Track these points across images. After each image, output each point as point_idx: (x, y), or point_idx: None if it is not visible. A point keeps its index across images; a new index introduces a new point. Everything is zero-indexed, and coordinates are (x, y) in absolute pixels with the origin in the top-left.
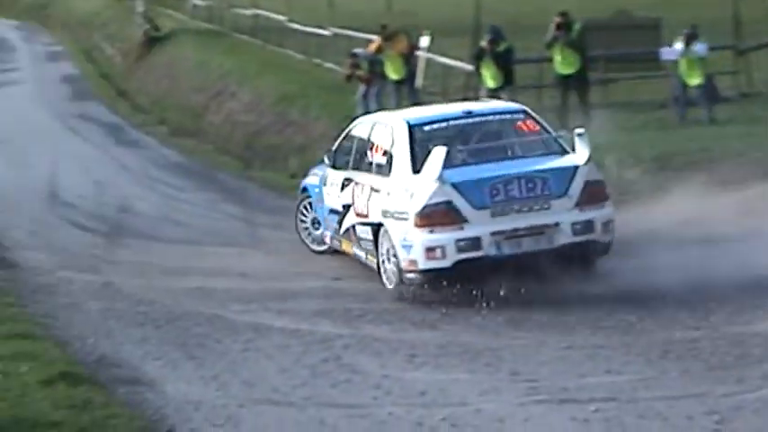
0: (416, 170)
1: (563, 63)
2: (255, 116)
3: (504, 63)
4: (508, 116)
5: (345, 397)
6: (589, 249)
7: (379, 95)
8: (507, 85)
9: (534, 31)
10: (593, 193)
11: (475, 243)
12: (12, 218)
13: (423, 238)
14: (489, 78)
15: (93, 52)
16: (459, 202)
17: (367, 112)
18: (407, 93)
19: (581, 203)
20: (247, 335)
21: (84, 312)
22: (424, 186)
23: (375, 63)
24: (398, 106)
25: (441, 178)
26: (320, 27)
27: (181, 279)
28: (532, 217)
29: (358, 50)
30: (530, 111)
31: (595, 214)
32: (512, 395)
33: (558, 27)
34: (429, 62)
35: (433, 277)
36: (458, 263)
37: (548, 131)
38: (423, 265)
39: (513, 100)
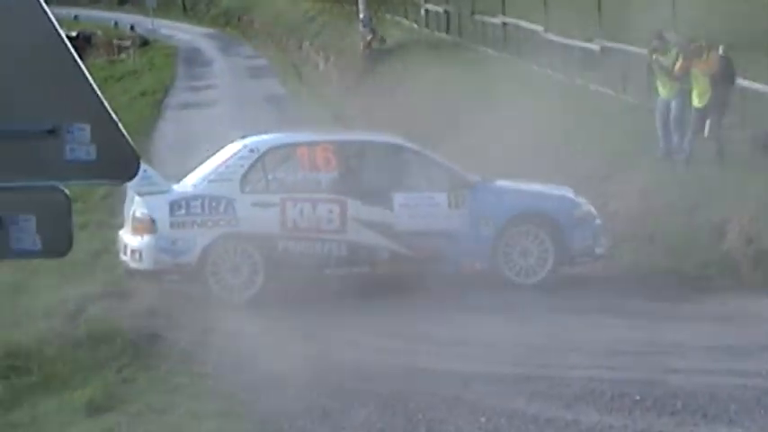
0: None
1: None
2: (503, 149)
3: None
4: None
5: None
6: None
7: (677, 119)
8: None
9: None
10: (136, 223)
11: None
12: None
13: None
14: None
15: (304, 67)
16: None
17: (668, 137)
18: (712, 124)
19: (133, 230)
20: (492, 422)
21: (292, 387)
22: None
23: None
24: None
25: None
26: (586, 40)
27: (413, 348)
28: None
29: (671, 35)
30: (244, 148)
31: (130, 242)
32: None
33: None
34: None
35: None
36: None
37: None
38: None
39: None
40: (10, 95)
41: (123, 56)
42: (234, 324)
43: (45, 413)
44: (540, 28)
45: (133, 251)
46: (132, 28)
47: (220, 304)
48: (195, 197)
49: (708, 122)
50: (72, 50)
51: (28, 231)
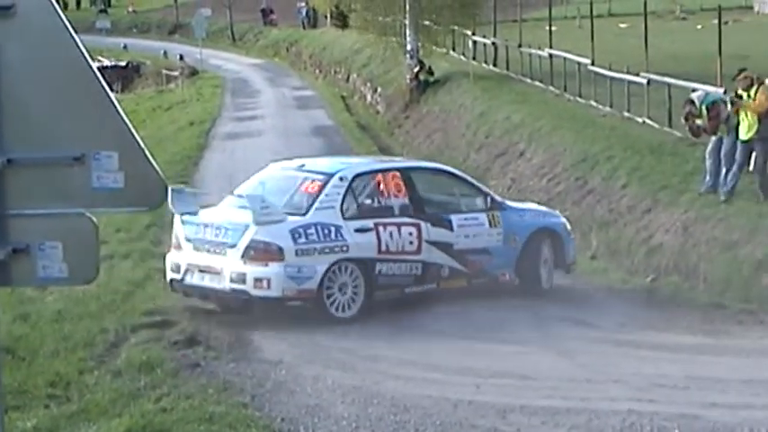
0: None
1: None
2: (548, 182)
3: None
4: (311, 176)
5: None
6: (246, 299)
7: (728, 154)
8: None
9: None
10: (257, 251)
11: (177, 268)
12: None
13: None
14: None
15: (351, 99)
16: (180, 233)
17: (716, 172)
18: (757, 156)
19: (245, 257)
20: None
21: (331, 418)
22: None
23: (718, 110)
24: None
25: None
26: (632, 73)
27: (449, 381)
28: (212, 258)
29: (695, 95)
30: (336, 176)
31: (251, 270)
32: None
33: None
34: None
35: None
36: (171, 281)
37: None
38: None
39: None
40: (38, 123)
41: (172, 86)
42: (273, 354)
43: None
44: (586, 60)
45: (258, 279)
46: (181, 58)
47: (261, 334)
48: (309, 225)
49: (753, 156)
50: (101, 79)
51: (54, 259)
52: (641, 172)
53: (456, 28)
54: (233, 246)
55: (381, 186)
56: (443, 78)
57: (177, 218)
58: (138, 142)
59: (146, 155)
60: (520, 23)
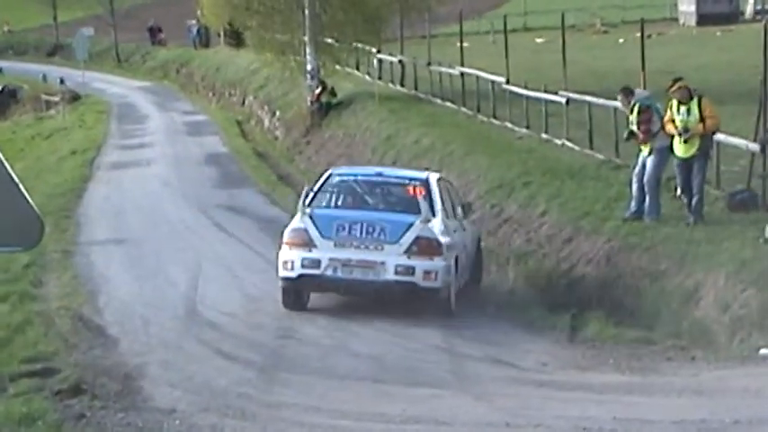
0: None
1: None
2: None
3: None
4: (407, 181)
5: None
6: (410, 289)
7: (650, 180)
8: None
9: None
10: (422, 246)
11: (314, 264)
12: (140, 343)
13: (281, 253)
14: None
15: (248, 123)
16: (313, 232)
17: (642, 197)
18: (697, 172)
19: (409, 252)
20: None
21: None
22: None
23: (650, 116)
24: (684, 187)
25: (302, 211)
26: (549, 91)
27: (359, 428)
28: (366, 253)
29: (640, 90)
30: (430, 180)
31: (419, 263)
32: None
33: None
34: None
35: (286, 284)
36: (301, 276)
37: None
38: (279, 273)
39: None
40: None
41: (52, 112)
42: (165, 402)
43: None
44: (501, 79)
45: (428, 272)
46: (62, 82)
47: (152, 380)
48: (442, 223)
49: (679, 179)
50: None
51: None
52: (561, 198)
53: (360, 45)
54: (393, 242)
55: (442, 193)
56: (347, 100)
57: (304, 218)
58: (11, 177)
59: (20, 191)
60: (429, 40)
